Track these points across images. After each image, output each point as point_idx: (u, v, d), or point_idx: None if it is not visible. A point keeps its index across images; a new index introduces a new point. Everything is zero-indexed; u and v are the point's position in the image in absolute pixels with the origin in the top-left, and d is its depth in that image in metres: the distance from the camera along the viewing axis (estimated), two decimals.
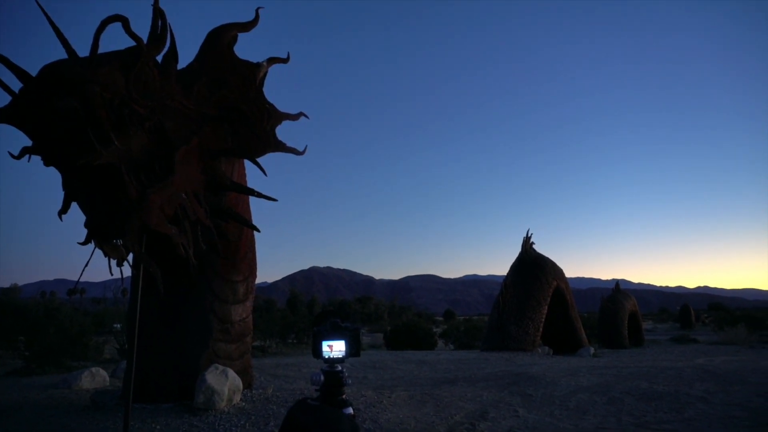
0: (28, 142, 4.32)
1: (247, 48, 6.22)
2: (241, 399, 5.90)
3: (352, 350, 1.99)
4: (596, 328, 22.50)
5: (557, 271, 17.58)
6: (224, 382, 5.55)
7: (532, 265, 17.35)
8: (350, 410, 1.81)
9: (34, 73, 4.19)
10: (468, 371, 10.06)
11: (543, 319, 16.45)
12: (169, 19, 4.81)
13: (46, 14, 4.20)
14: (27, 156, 4.40)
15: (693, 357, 12.99)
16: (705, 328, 35.84)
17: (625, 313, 21.67)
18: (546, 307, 16.62)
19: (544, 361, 12.60)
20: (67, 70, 4.00)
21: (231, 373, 5.75)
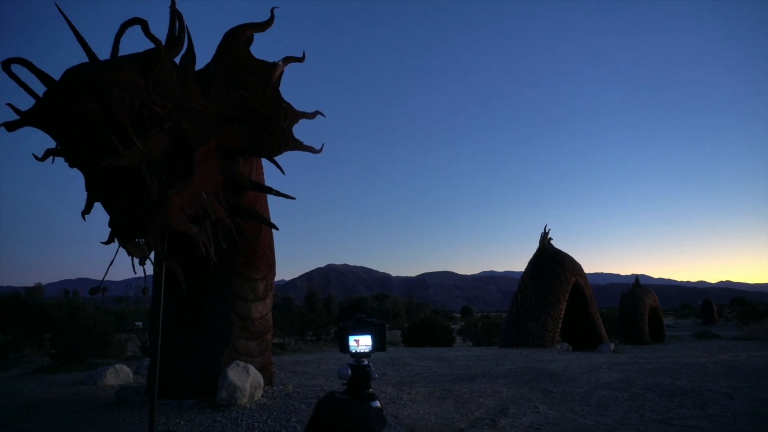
0: (51, 144, 4.42)
1: (262, 47, 6.26)
2: (262, 395, 5.97)
3: (378, 345, 2.03)
4: (616, 323, 22.25)
5: (576, 267, 17.42)
6: (246, 379, 5.62)
7: (550, 261, 17.21)
8: (377, 404, 1.84)
9: (56, 76, 4.28)
10: (487, 368, 10.03)
11: (562, 315, 16.32)
12: (186, 20, 4.87)
13: (67, 19, 4.27)
14: (51, 158, 4.50)
15: (716, 353, 12.78)
16: (728, 324, 35.24)
17: (646, 309, 21.38)
18: (565, 302, 16.48)
19: (563, 357, 12.51)
20: (89, 74, 4.07)
21: (252, 369, 5.82)
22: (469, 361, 11.54)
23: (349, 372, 1.95)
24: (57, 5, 4.36)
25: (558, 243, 18.44)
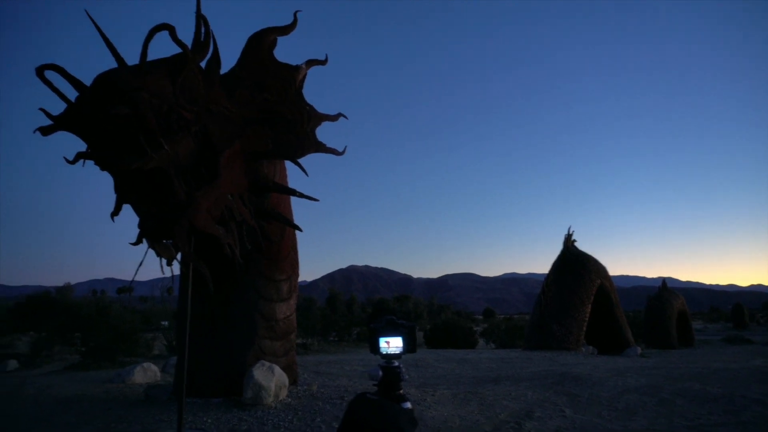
0: (80, 147, 4.52)
1: (284, 50, 6.33)
2: (287, 395, 6.03)
3: (409, 346, 2.04)
4: (642, 327, 21.85)
5: (600, 269, 17.15)
6: (271, 378, 5.67)
7: (574, 263, 16.99)
8: (408, 405, 1.85)
9: (87, 81, 4.38)
10: (511, 370, 9.95)
11: (587, 318, 16.09)
12: (211, 24, 4.94)
13: (96, 25, 4.37)
14: (81, 161, 4.61)
15: (748, 358, 12.44)
16: (760, 328, 34.26)
17: (674, 312, 20.95)
18: (589, 305, 16.25)
19: (588, 360, 12.33)
20: (118, 79, 4.17)
21: (277, 369, 5.88)
22: (493, 364, 11.46)
23: (380, 373, 1.96)
24: (87, 12, 4.48)
25: (582, 245, 18.18)
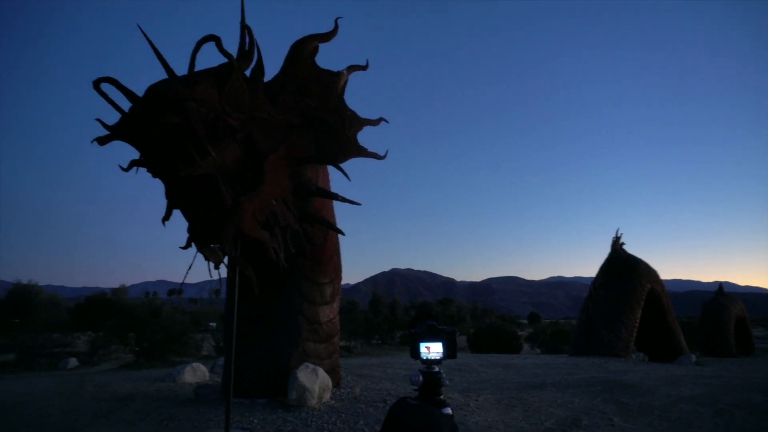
0: (133, 155, 4.73)
1: (326, 55, 6.42)
2: (330, 397, 6.09)
3: (449, 352, 2.03)
4: (698, 334, 20.90)
5: (651, 273, 16.52)
6: (315, 381, 5.75)
7: (622, 267, 16.43)
8: (449, 410, 1.84)
9: (139, 91, 4.58)
10: (557, 376, 9.71)
11: (637, 324, 15.52)
12: (255, 33, 5.07)
13: (147, 38, 4.55)
14: (135, 168, 4.82)
15: None
16: None
17: (731, 319, 19.94)
18: (639, 310, 15.67)
19: (639, 368, 11.88)
20: (168, 90, 4.33)
21: (321, 371, 5.95)
22: (538, 369, 11.22)
23: (421, 378, 1.96)
24: (139, 26, 4.68)
25: (632, 248, 17.56)
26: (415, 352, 2.07)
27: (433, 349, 2.04)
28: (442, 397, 1.93)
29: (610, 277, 16.37)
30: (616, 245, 17.50)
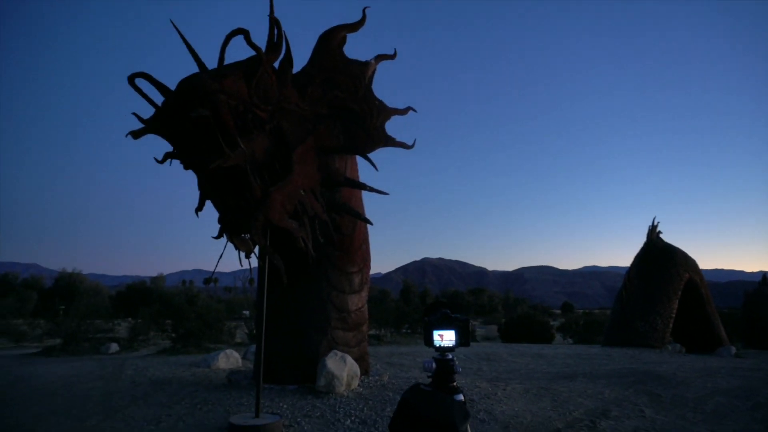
0: (166, 148, 4.86)
1: (353, 45, 6.42)
2: (358, 384, 6.18)
3: (462, 340, 2.07)
4: (739, 325, 20.24)
5: (689, 262, 16.05)
6: (343, 368, 5.85)
7: (659, 256, 16.02)
8: (461, 397, 1.88)
9: (172, 86, 4.70)
10: (588, 367, 9.59)
11: (673, 314, 15.15)
12: (282, 23, 5.11)
13: (180, 33, 4.66)
14: (169, 161, 4.96)
15: None
16: None
17: None
18: (676, 301, 15.28)
19: (674, 359, 11.62)
20: (198, 83, 4.44)
21: (349, 359, 6.05)
22: (569, 360, 11.10)
23: (434, 365, 2.01)
24: (172, 21, 4.79)
25: (671, 236, 17.10)
26: (429, 340, 2.12)
27: (446, 337, 2.07)
28: (454, 384, 1.97)
29: (646, 266, 15.99)
30: (653, 234, 17.06)
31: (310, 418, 4.92)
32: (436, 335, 2.09)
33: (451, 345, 2.07)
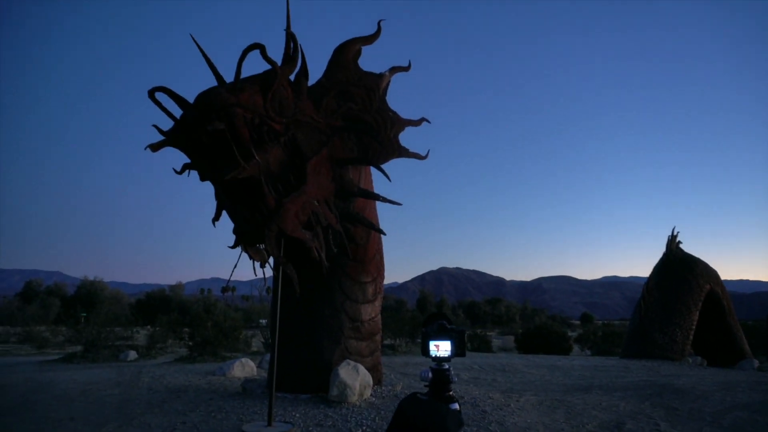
0: (184, 159, 4.98)
1: (368, 54, 6.52)
2: (371, 394, 6.21)
3: (458, 350, 2.14)
4: (764, 338, 19.77)
5: (710, 273, 15.76)
6: (356, 378, 5.88)
7: (679, 267, 15.76)
8: (456, 406, 1.93)
9: (190, 98, 4.83)
10: (605, 379, 9.47)
11: (693, 326, 14.86)
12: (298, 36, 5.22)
13: (199, 47, 4.79)
14: (187, 172, 5.09)
15: None
16: None
17: None
18: (697, 312, 14.99)
19: (694, 372, 11.41)
20: (215, 97, 4.56)
21: (362, 369, 6.08)
22: (586, 371, 10.97)
23: (430, 375, 2.08)
24: (192, 36, 4.92)
25: (693, 247, 16.86)
26: (426, 350, 2.19)
27: (441, 348, 2.14)
28: (451, 393, 2.03)
29: (665, 277, 15.74)
30: (672, 244, 16.80)
31: (322, 427, 4.95)
32: (432, 345, 2.15)
33: (447, 355, 2.13)
